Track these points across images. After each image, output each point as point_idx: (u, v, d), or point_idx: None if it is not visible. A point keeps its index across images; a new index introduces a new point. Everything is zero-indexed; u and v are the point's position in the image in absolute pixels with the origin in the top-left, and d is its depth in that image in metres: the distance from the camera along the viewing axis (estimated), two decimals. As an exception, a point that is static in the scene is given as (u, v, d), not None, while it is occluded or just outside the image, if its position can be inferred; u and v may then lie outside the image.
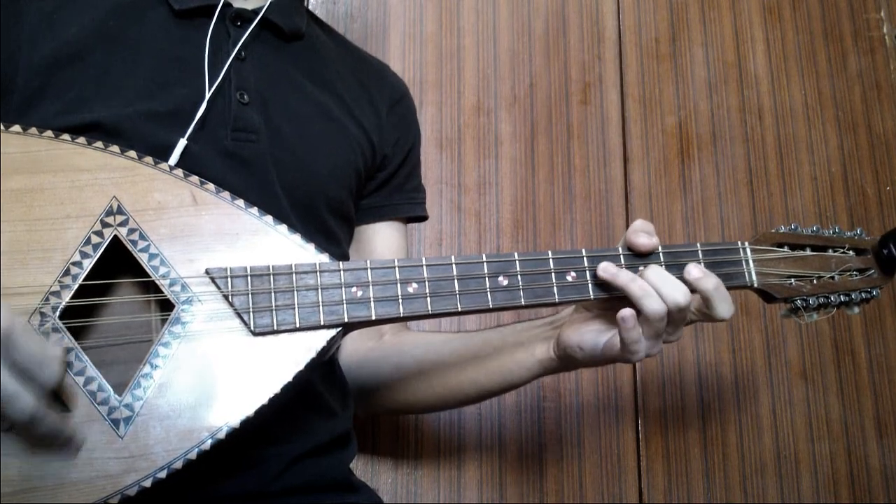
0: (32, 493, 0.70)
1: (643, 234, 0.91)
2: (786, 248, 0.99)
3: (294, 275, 0.81)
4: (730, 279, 0.94)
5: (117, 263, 0.79)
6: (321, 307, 0.81)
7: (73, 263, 0.76)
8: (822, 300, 0.98)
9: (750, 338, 1.47)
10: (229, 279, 0.79)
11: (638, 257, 0.92)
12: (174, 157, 0.88)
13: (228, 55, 0.95)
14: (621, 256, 0.91)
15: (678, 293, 0.87)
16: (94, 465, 0.72)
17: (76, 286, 0.75)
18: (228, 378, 0.77)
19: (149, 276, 0.78)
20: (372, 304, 0.82)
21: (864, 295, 1.00)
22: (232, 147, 0.93)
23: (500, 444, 1.34)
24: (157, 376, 0.75)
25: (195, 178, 0.82)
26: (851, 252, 1.02)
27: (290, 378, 0.78)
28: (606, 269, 0.88)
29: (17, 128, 0.79)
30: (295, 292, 0.81)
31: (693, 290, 0.89)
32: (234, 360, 0.78)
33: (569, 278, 0.89)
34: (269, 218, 0.83)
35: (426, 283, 0.84)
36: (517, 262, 0.88)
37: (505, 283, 0.87)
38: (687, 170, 1.54)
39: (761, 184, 1.57)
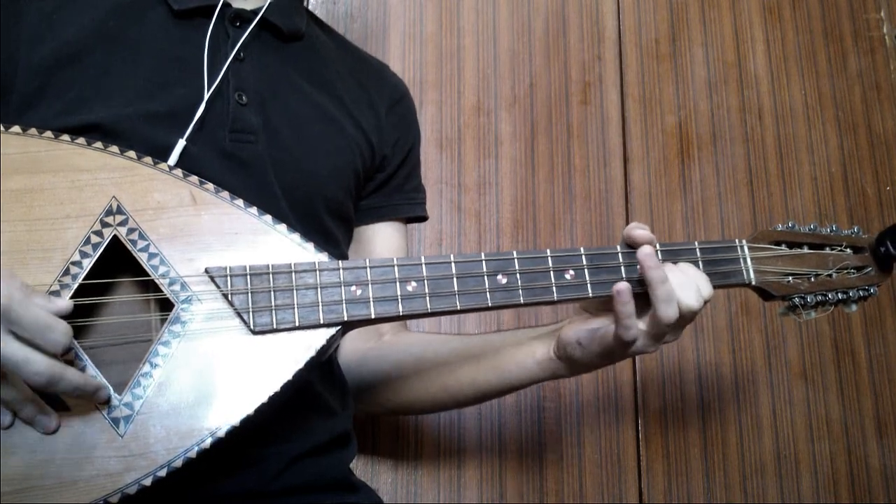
0: (33, 492, 0.70)
1: (639, 228, 0.91)
2: (783, 247, 0.99)
3: (293, 273, 0.81)
4: (728, 277, 0.95)
5: (117, 263, 0.79)
6: (320, 306, 0.81)
7: (73, 263, 0.76)
8: (819, 298, 0.99)
9: (750, 338, 1.47)
10: (229, 278, 0.79)
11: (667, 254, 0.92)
12: (173, 158, 0.88)
13: (227, 56, 0.96)
14: (620, 255, 0.91)
15: (692, 300, 0.88)
16: (94, 463, 0.72)
17: (76, 286, 0.76)
18: (228, 377, 0.77)
19: (148, 276, 0.78)
20: (371, 302, 0.83)
21: (861, 292, 1.01)
22: (230, 148, 0.93)
23: (500, 444, 1.34)
24: (157, 375, 0.76)
25: (194, 178, 0.82)
26: (849, 250, 1.02)
27: (289, 377, 0.79)
28: (649, 256, 0.87)
29: (16, 128, 0.79)
30: (294, 291, 0.81)
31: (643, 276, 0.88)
32: (234, 359, 0.78)
33: (567, 277, 0.89)
34: (269, 217, 0.83)
35: (425, 281, 0.85)
36: (516, 260, 0.88)
37: (504, 281, 0.87)
38: (687, 170, 1.55)
39: (761, 184, 1.57)
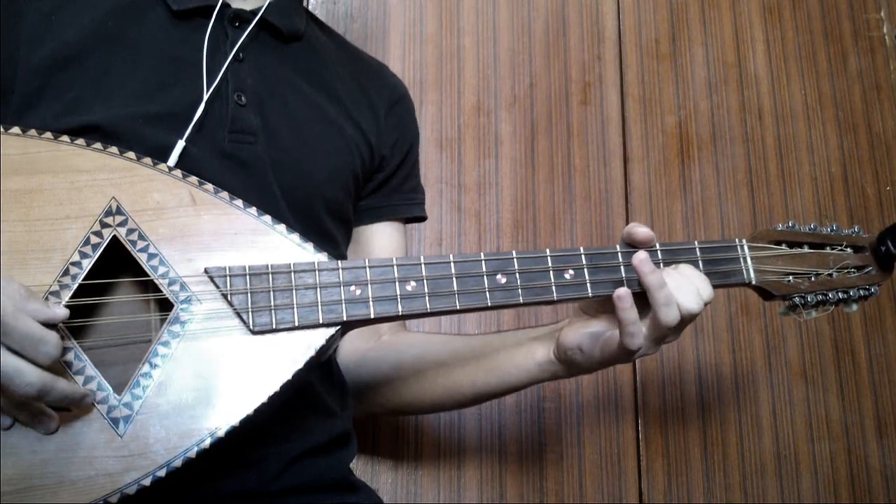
0: (32, 492, 0.70)
1: (638, 226, 0.91)
2: (783, 246, 0.99)
3: (293, 273, 0.81)
4: (728, 277, 0.95)
5: (117, 263, 0.79)
6: (320, 306, 0.81)
7: (73, 263, 0.76)
8: (820, 297, 0.98)
9: (750, 338, 1.47)
10: (228, 278, 0.79)
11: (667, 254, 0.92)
12: (172, 159, 0.88)
13: (226, 56, 0.96)
14: (619, 255, 0.91)
15: (692, 302, 0.88)
16: (93, 463, 0.72)
17: (75, 286, 0.76)
18: (228, 377, 0.77)
19: (148, 276, 0.78)
20: (370, 302, 0.83)
21: (862, 292, 1.01)
22: (230, 149, 0.93)
23: (500, 444, 1.34)
24: (157, 375, 0.76)
25: (194, 179, 0.82)
26: (849, 249, 1.02)
27: (289, 376, 0.79)
28: (643, 262, 0.88)
29: (16, 129, 0.79)
30: (294, 291, 0.81)
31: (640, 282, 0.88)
32: (234, 359, 0.78)
33: (567, 276, 0.89)
34: (268, 217, 0.83)
35: (424, 281, 0.85)
36: (515, 260, 0.88)
37: (503, 281, 0.87)
38: (687, 170, 1.55)
39: (761, 184, 1.57)
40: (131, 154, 0.82)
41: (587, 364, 0.94)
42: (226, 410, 0.76)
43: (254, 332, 0.79)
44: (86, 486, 0.71)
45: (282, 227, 0.83)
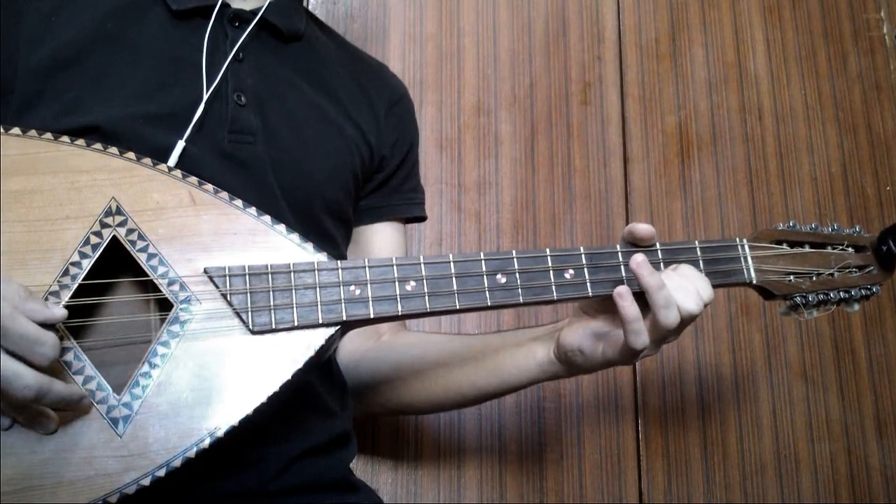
0: (32, 492, 0.70)
1: (639, 224, 0.91)
2: (784, 246, 0.99)
3: (292, 273, 0.81)
4: (728, 276, 0.95)
5: (116, 264, 0.79)
6: (319, 306, 0.81)
7: (73, 264, 0.76)
8: (821, 297, 0.98)
9: (750, 338, 1.47)
10: (227, 278, 0.79)
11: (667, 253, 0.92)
12: (172, 159, 0.88)
13: (226, 56, 0.96)
14: (619, 254, 0.91)
15: (692, 304, 0.87)
16: (92, 463, 0.72)
17: (75, 286, 0.76)
18: (227, 377, 0.77)
19: (148, 276, 0.78)
20: (370, 302, 0.83)
21: (864, 292, 1.00)
22: (229, 149, 0.93)
23: (500, 444, 1.34)
24: (156, 375, 0.76)
25: (193, 179, 0.82)
26: (850, 249, 1.02)
27: (288, 376, 0.79)
28: (641, 265, 0.87)
29: (16, 130, 0.79)
30: (293, 291, 0.81)
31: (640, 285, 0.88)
32: (233, 359, 0.78)
33: (567, 276, 0.89)
34: (268, 217, 0.83)
35: (424, 281, 0.84)
36: (515, 259, 0.88)
37: (503, 281, 0.87)
38: (687, 170, 1.55)
39: (761, 184, 1.57)
40: (131, 154, 0.81)
41: (588, 365, 0.94)
42: (225, 410, 0.76)
43: (253, 332, 0.79)
44: (85, 486, 0.71)
45: (281, 227, 0.83)
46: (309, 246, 0.83)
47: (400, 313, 0.84)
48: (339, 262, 0.83)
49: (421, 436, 1.33)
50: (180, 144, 0.89)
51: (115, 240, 0.78)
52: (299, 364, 0.79)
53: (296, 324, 0.80)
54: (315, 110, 1.02)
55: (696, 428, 1.41)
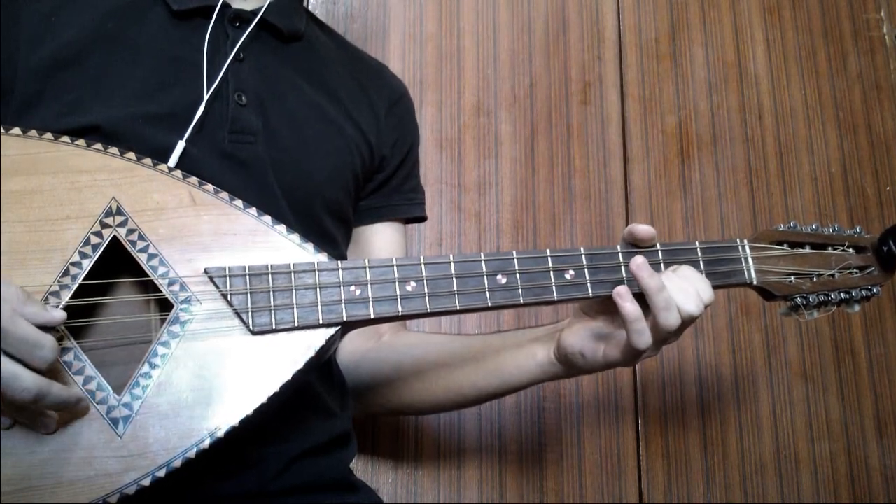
0: (31, 492, 0.70)
1: (640, 224, 0.91)
2: (785, 246, 0.99)
3: (293, 274, 0.81)
4: (729, 277, 0.94)
5: (117, 264, 0.79)
6: (320, 306, 0.81)
7: (73, 264, 0.76)
8: (822, 298, 0.98)
9: (750, 338, 1.47)
10: (228, 279, 0.79)
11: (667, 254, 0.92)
12: (173, 159, 0.88)
13: (227, 56, 0.96)
14: (620, 255, 0.91)
15: (692, 305, 0.87)
16: (92, 464, 0.72)
17: (75, 286, 0.75)
18: (227, 377, 0.77)
19: (148, 277, 0.78)
20: (370, 302, 0.83)
21: (864, 293, 1.00)
22: (230, 149, 0.93)
23: (500, 444, 1.34)
24: (156, 376, 0.75)
25: (194, 179, 0.82)
26: (851, 249, 1.02)
27: (289, 377, 0.78)
28: (640, 267, 0.87)
29: (16, 130, 0.79)
30: (293, 291, 0.81)
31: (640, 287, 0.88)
32: (233, 360, 0.78)
33: (567, 276, 0.89)
34: (268, 218, 0.83)
35: (424, 281, 0.84)
36: (515, 260, 0.88)
37: (503, 281, 0.87)
38: (687, 170, 1.55)
39: (761, 184, 1.57)
40: (131, 154, 0.81)
41: (589, 367, 0.94)
42: (225, 411, 0.76)
43: (253, 333, 0.79)
44: (85, 486, 0.71)
45: (282, 228, 0.83)
46: (309, 246, 0.83)
47: (400, 314, 0.83)
48: (339, 262, 0.83)
49: (421, 436, 1.33)
50: (181, 144, 0.89)
51: (115, 240, 0.78)
52: (299, 364, 0.79)
53: (296, 324, 0.80)
54: (315, 110, 1.02)
55: (696, 428, 1.41)
